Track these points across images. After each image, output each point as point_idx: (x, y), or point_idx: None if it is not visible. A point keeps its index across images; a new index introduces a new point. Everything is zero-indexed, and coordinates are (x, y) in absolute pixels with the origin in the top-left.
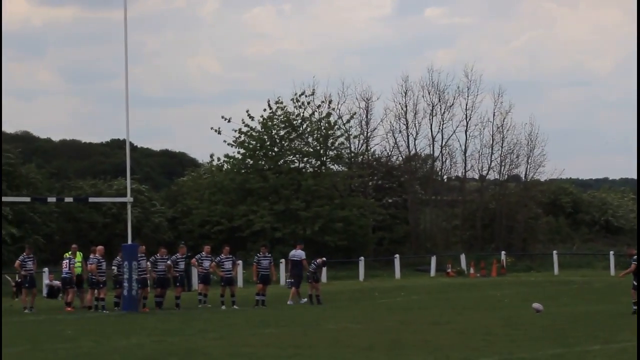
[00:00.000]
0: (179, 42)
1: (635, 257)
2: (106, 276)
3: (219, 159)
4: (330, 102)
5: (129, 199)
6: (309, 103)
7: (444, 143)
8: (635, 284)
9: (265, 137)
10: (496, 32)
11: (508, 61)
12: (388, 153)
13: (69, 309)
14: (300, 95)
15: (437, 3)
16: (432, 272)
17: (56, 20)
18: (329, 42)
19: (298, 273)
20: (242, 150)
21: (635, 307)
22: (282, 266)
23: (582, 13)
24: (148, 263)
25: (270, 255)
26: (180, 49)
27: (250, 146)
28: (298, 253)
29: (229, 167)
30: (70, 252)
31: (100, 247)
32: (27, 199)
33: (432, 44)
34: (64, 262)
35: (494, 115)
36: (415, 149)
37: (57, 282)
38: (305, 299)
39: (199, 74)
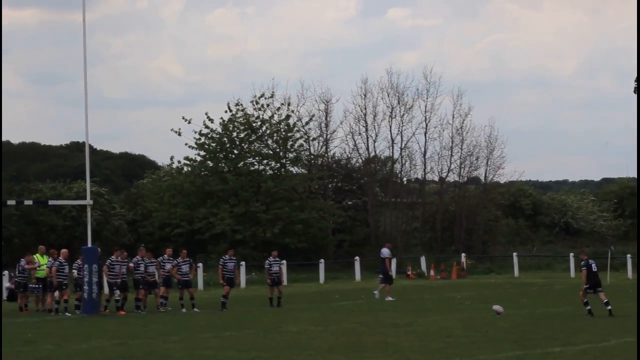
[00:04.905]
0: (142, 44)
1: (583, 262)
2: (68, 279)
3: (179, 162)
4: (289, 104)
5: (88, 201)
6: (268, 105)
7: (403, 145)
8: (587, 286)
9: (225, 139)
10: (460, 33)
11: (471, 63)
12: (347, 155)
13: (25, 311)
14: (259, 98)
15: (400, 4)
16: (393, 275)
17: (19, 22)
18: (291, 44)
19: (382, 270)
20: (202, 153)
21: (589, 307)
22: (243, 269)
23: (545, 15)
24: (131, 265)
25: (235, 258)
26: (143, 51)
27: (211, 148)
28: (384, 251)
29: (189, 169)
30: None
31: (64, 250)
32: None
33: (395, 45)
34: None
35: (453, 117)
36: (375, 151)
37: None
38: (391, 298)
39: (160, 76)
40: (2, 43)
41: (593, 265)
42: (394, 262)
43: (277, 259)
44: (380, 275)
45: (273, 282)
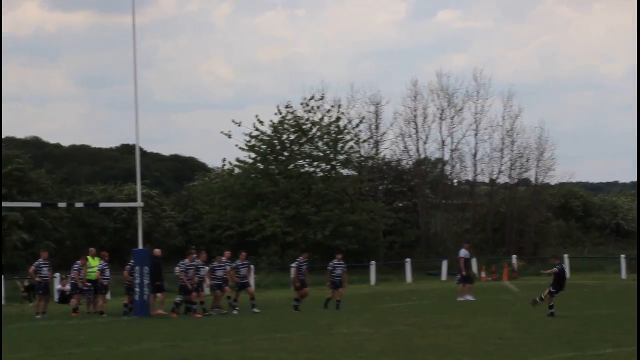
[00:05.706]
0: (191, 47)
1: (558, 263)
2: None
3: (230, 163)
4: (339, 106)
5: (139, 203)
6: (318, 107)
7: (453, 147)
8: (554, 290)
9: (276, 141)
10: (509, 35)
11: (521, 65)
12: (398, 157)
13: (75, 314)
14: (309, 100)
15: (450, 6)
16: (444, 276)
17: (69, 25)
18: (341, 47)
19: (459, 270)
20: (252, 155)
21: (551, 310)
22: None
23: (595, 17)
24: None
25: (307, 261)
26: (193, 53)
27: (261, 150)
28: (461, 251)
29: (240, 171)
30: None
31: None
32: (38, 204)
33: (445, 47)
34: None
35: (503, 119)
36: (425, 153)
37: (68, 287)
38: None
39: (210, 79)
40: (2, 43)
41: (565, 270)
42: (444, 263)
43: (341, 262)
44: (458, 276)
45: (334, 284)
